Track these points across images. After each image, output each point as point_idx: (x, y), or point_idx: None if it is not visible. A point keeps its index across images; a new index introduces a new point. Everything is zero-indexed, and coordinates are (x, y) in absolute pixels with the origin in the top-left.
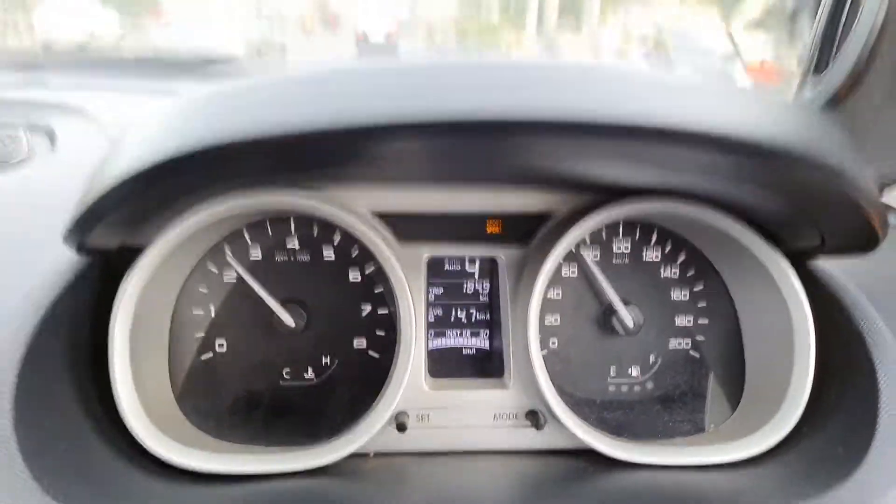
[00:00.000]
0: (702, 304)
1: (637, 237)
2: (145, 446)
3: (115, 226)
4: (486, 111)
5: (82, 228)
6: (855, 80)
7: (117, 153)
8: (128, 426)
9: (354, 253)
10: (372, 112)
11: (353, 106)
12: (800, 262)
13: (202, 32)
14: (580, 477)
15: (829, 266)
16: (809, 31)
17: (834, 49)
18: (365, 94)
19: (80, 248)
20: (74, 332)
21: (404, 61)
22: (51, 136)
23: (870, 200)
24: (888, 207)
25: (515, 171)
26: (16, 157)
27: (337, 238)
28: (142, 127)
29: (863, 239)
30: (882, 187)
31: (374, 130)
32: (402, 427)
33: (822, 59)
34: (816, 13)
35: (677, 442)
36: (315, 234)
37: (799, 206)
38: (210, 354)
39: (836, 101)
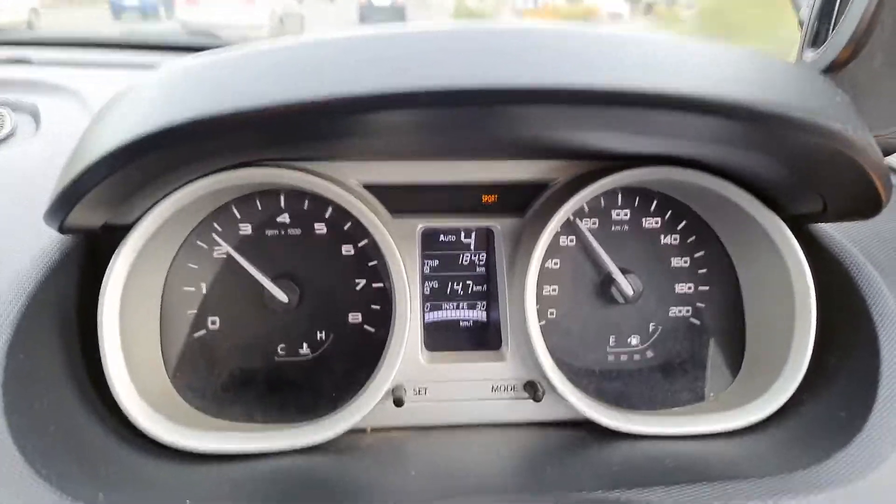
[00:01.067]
0: (702, 271)
1: (636, 205)
2: (138, 426)
3: (97, 204)
4: (478, 80)
5: (63, 207)
6: (855, 46)
7: (97, 129)
8: (121, 406)
9: (347, 226)
10: (362, 82)
11: (343, 76)
12: (801, 226)
13: (228, 9)
14: (579, 448)
15: (831, 229)
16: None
17: (833, 18)
18: (353, 64)
19: (62, 227)
20: (63, 313)
21: (395, 28)
22: (35, 116)
23: (874, 163)
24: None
25: (510, 143)
26: None
27: (328, 212)
28: (123, 101)
29: (866, 203)
30: (885, 153)
31: (363, 101)
32: (398, 402)
33: (820, 27)
34: None
35: (677, 411)
36: (306, 209)
37: (801, 170)
38: (203, 332)
39: (835, 68)
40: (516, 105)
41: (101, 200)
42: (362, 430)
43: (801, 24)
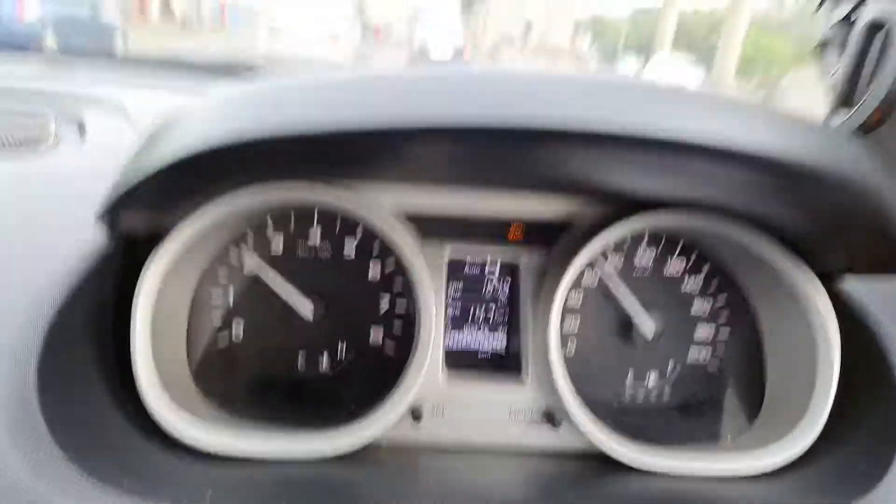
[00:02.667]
0: (724, 317)
1: (661, 247)
2: (160, 420)
3: (147, 209)
4: (517, 118)
5: (118, 209)
6: (886, 108)
7: (158, 140)
8: (144, 402)
9: (376, 248)
10: (405, 114)
11: (388, 107)
12: (826, 280)
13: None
14: (593, 480)
15: (855, 282)
16: (836, 63)
17: (861, 80)
18: (399, 97)
19: (113, 228)
20: (97, 311)
21: (441, 68)
22: (80, 126)
23: None
24: None
25: (542, 180)
26: (45, 144)
27: (359, 234)
28: (184, 117)
29: (893, 261)
30: None
31: (405, 132)
32: (416, 420)
33: (850, 89)
34: (844, 46)
35: (693, 451)
36: (337, 230)
37: (829, 227)
38: (227, 343)
39: (865, 129)
40: (558, 146)
41: (153, 205)
42: (378, 446)
43: (830, 86)
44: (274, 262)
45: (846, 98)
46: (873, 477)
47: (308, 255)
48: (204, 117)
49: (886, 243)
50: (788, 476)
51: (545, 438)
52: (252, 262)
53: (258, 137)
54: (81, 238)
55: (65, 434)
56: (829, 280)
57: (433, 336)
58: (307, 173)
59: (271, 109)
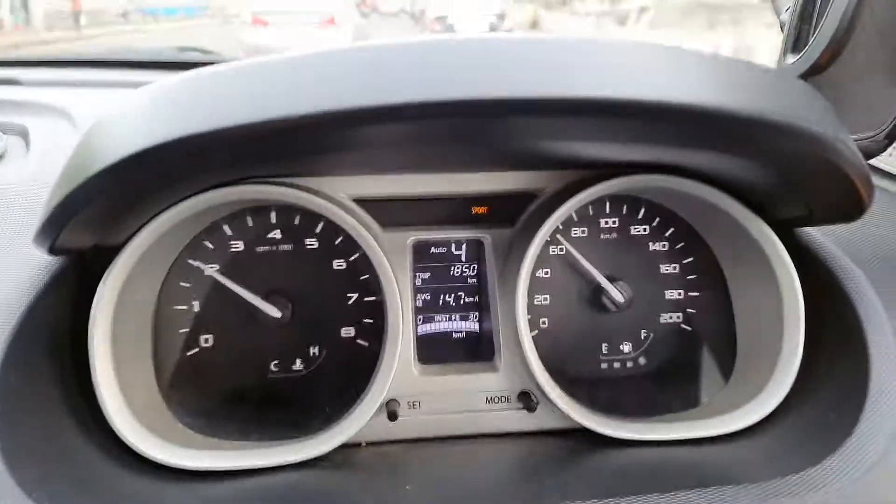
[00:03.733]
0: (692, 277)
1: (624, 212)
2: (132, 446)
3: (86, 225)
4: (466, 91)
5: (52, 229)
6: (836, 48)
7: (84, 150)
8: (113, 427)
9: (338, 241)
10: (347, 97)
11: (329, 91)
12: (788, 231)
13: (304, 32)
14: (574, 457)
15: (818, 233)
16: (787, 4)
17: (813, 21)
18: (339, 79)
19: (52, 249)
20: (54, 335)
21: (380, 41)
22: (24, 137)
23: (855, 167)
24: (879, 171)
25: (498, 154)
26: None
27: (319, 227)
28: (108, 121)
29: (850, 206)
30: (870, 156)
31: (347, 116)
32: (392, 416)
33: (801, 31)
34: None
35: (669, 418)
36: (297, 224)
37: (785, 176)
38: (196, 350)
39: (817, 71)
40: (503, 116)
41: (90, 222)
42: (357, 445)
43: (782, 27)
44: (235, 264)
45: (797, 39)
46: (844, 429)
47: (270, 253)
48: (130, 119)
49: (840, 188)
50: (763, 433)
51: (524, 421)
52: (210, 273)
53: (184, 136)
54: (31, 259)
55: (26, 472)
56: (789, 231)
57: (402, 327)
58: (255, 169)
59: (199, 104)
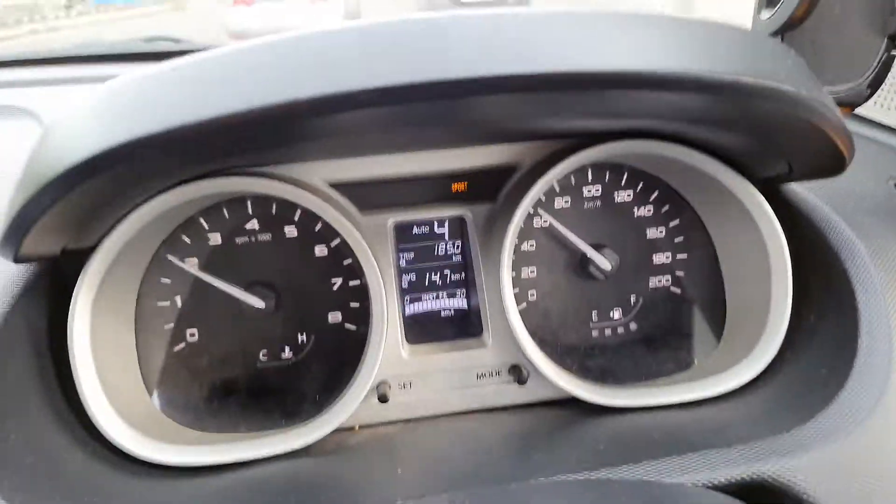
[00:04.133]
0: (678, 240)
1: (607, 179)
2: (119, 446)
3: (50, 231)
4: (429, 73)
5: (13, 238)
6: (809, 3)
7: (40, 154)
8: (100, 429)
9: (317, 227)
10: (308, 86)
11: (290, 80)
12: (771, 188)
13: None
14: (567, 428)
15: (803, 189)
16: None
17: None
18: (299, 66)
19: (16, 258)
20: (33, 342)
21: (342, 25)
22: None
23: (831, 123)
24: (864, 120)
25: (473, 131)
26: None
27: (297, 214)
28: (59, 125)
29: (831, 162)
30: (853, 106)
31: (310, 105)
32: (383, 398)
33: None
34: None
35: (661, 382)
36: (274, 213)
37: (763, 136)
38: (182, 345)
39: (792, 25)
40: (470, 96)
41: (54, 226)
42: (350, 429)
43: None
44: (214, 256)
45: None
46: (836, 384)
47: (249, 243)
48: (85, 120)
49: (818, 145)
50: (756, 392)
51: (516, 394)
52: (189, 269)
53: (140, 137)
54: (3, 265)
55: (9, 479)
56: (773, 188)
57: (387, 309)
58: (223, 162)
59: (154, 101)
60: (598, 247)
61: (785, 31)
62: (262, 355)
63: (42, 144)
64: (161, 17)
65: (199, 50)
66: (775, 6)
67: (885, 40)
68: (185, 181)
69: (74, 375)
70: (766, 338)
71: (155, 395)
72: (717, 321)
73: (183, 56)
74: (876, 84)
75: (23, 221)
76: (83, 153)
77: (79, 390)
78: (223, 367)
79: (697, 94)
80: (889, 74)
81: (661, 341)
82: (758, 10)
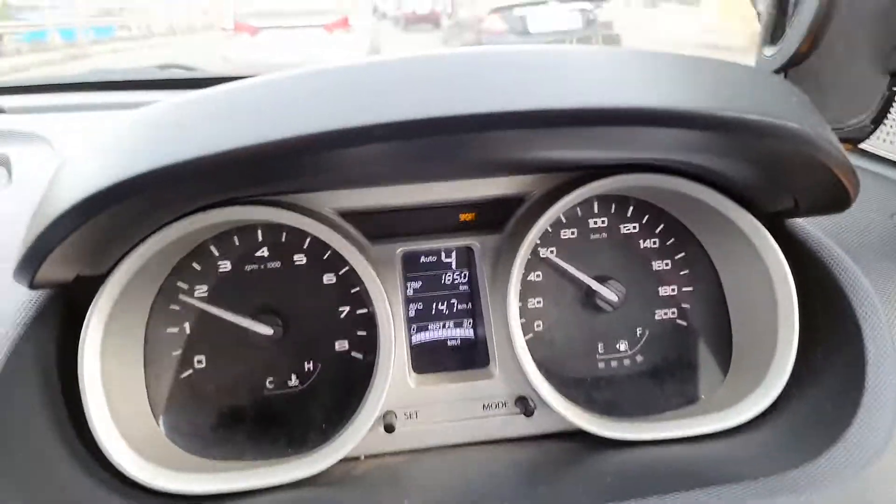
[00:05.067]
0: (684, 273)
1: (613, 211)
2: (127, 474)
3: (66, 258)
4: (441, 109)
5: (30, 264)
6: (814, 37)
7: (59, 183)
8: (108, 457)
9: (326, 255)
10: (322, 121)
11: (304, 115)
12: (777, 223)
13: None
14: (573, 460)
15: (807, 224)
16: None
17: (790, 13)
18: (314, 101)
19: (32, 284)
20: (43, 368)
21: (355, 61)
22: (6, 166)
23: (835, 160)
24: (868, 154)
25: (483, 165)
26: None
27: (307, 242)
28: (79, 155)
29: (836, 199)
30: (855, 142)
31: (323, 139)
32: (389, 428)
33: (779, 22)
34: None
35: (668, 416)
36: (284, 241)
37: (768, 171)
38: (189, 371)
39: (796, 62)
40: (477, 132)
41: (70, 254)
42: (356, 459)
43: (759, 18)
44: (223, 283)
45: (774, 31)
46: (843, 421)
47: (258, 271)
48: (104, 150)
49: (823, 181)
50: (763, 428)
51: (522, 425)
52: (196, 303)
53: (155, 169)
54: (16, 293)
55: (14, 500)
56: (778, 223)
57: (394, 338)
58: (235, 193)
59: (169, 134)
60: (603, 279)
61: (788, 67)
62: (268, 383)
63: (62, 173)
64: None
65: (211, 79)
66: (779, 43)
67: (888, 77)
68: (199, 210)
69: (83, 401)
70: (773, 373)
71: (161, 421)
72: (724, 355)
73: (195, 84)
74: (879, 120)
75: (41, 249)
76: (104, 182)
77: (87, 415)
78: (230, 394)
79: (705, 131)
80: (892, 110)
81: (667, 374)
82: (761, 47)
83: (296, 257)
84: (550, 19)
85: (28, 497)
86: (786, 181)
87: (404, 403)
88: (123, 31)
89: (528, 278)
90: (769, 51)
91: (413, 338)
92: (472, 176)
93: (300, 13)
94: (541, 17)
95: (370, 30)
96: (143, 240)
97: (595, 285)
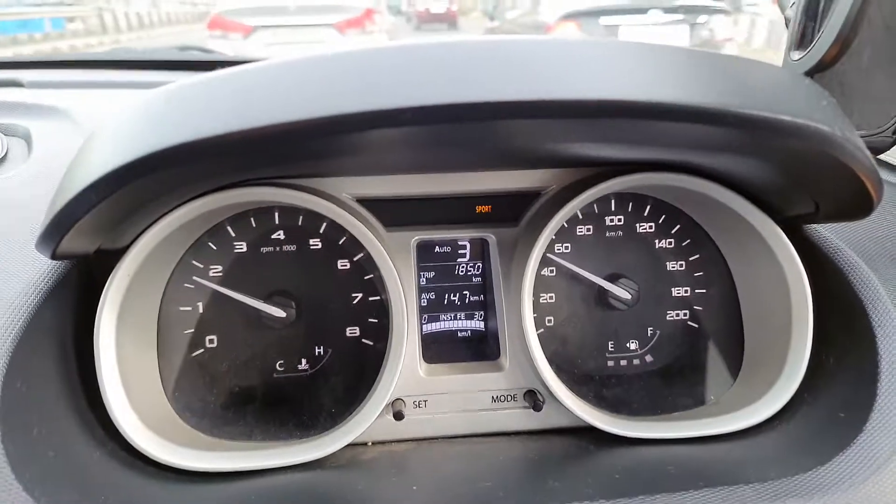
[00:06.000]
0: (698, 274)
1: (630, 210)
2: (138, 447)
3: (89, 230)
4: (466, 95)
5: (54, 235)
6: (842, 44)
7: (86, 155)
8: (119, 429)
9: (342, 241)
10: (349, 102)
11: (331, 95)
12: (794, 228)
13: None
14: (582, 456)
15: (825, 230)
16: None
17: (819, 16)
18: (341, 83)
19: (55, 254)
20: (59, 339)
21: (379, 45)
22: (27, 139)
23: (862, 165)
24: (887, 166)
25: (502, 155)
26: None
27: (323, 227)
28: (111, 126)
29: (858, 204)
30: (878, 151)
31: (349, 121)
32: (398, 415)
33: (807, 27)
34: None
35: (677, 416)
36: (300, 224)
37: (792, 174)
38: (201, 350)
39: (823, 67)
40: (504, 119)
41: (93, 227)
42: (363, 444)
43: (787, 23)
44: (238, 264)
45: (802, 35)
46: (854, 427)
47: (273, 253)
48: (132, 124)
49: (848, 186)
50: (773, 431)
51: (531, 419)
52: (209, 284)
53: (184, 142)
54: (36, 263)
55: (32, 475)
56: (797, 228)
57: (407, 326)
58: (257, 173)
59: (197, 110)
60: (617, 276)
61: (815, 72)
62: (278, 366)
63: (88, 147)
64: None
65: (230, 62)
66: (807, 47)
67: None
68: (219, 188)
69: (98, 374)
70: (785, 377)
71: (172, 398)
72: (735, 358)
73: (214, 66)
74: None
75: (65, 219)
76: (132, 155)
77: (101, 389)
78: (240, 375)
79: (733, 129)
80: None
81: (677, 375)
82: (788, 50)
83: (311, 241)
84: (650, 33)
85: (40, 468)
86: (809, 184)
87: (413, 392)
88: (77, 23)
89: (542, 273)
90: (796, 55)
91: (424, 327)
92: (492, 167)
93: (306, 10)
94: (638, 30)
95: (387, 30)
96: (163, 216)
97: (606, 285)
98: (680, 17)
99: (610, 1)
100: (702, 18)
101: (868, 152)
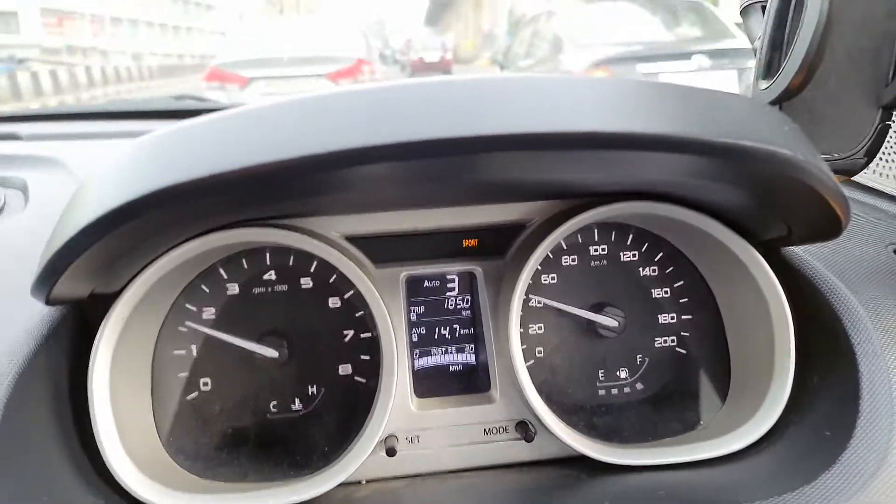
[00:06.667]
0: (683, 300)
1: (613, 239)
2: (132, 492)
3: (82, 275)
4: (446, 131)
5: (48, 280)
6: (807, 71)
7: (78, 202)
8: (113, 473)
9: (332, 279)
10: (331, 141)
11: (313, 135)
12: (772, 251)
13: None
14: (574, 485)
15: (802, 252)
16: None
17: (784, 46)
18: (323, 122)
19: (48, 299)
20: (54, 385)
21: (361, 86)
22: (24, 190)
23: (828, 187)
24: (862, 187)
25: (486, 189)
26: None
27: (313, 266)
28: (98, 175)
29: (828, 225)
30: (850, 174)
31: (331, 159)
32: (391, 451)
33: (773, 56)
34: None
35: (667, 442)
36: (291, 264)
37: (761, 199)
38: (195, 393)
39: (790, 95)
40: (485, 153)
41: (86, 271)
42: (357, 483)
43: (755, 54)
44: (231, 305)
45: (769, 65)
46: (839, 446)
47: (265, 294)
48: (120, 170)
49: (815, 208)
50: (761, 453)
51: (523, 451)
52: (202, 328)
53: (168, 186)
54: (30, 310)
55: None
56: (775, 251)
57: (397, 362)
58: (245, 213)
59: (182, 154)
60: (602, 305)
61: (783, 100)
62: (272, 406)
63: (81, 193)
64: None
65: (224, 108)
66: (773, 77)
67: (879, 111)
68: (210, 231)
69: (92, 418)
70: (771, 399)
71: (166, 441)
72: (722, 382)
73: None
74: (872, 153)
75: (58, 264)
76: (120, 200)
77: (95, 432)
78: (234, 416)
79: (700, 157)
80: (884, 144)
81: (667, 401)
82: (756, 80)
83: (302, 281)
84: (694, 80)
85: None
86: (779, 208)
87: (406, 428)
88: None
89: (530, 304)
90: (763, 84)
91: (416, 362)
92: (477, 201)
93: (299, 61)
94: (681, 77)
95: (379, 80)
96: (155, 259)
97: (592, 316)
98: (726, 61)
99: (648, 46)
100: (750, 63)
101: (831, 174)
